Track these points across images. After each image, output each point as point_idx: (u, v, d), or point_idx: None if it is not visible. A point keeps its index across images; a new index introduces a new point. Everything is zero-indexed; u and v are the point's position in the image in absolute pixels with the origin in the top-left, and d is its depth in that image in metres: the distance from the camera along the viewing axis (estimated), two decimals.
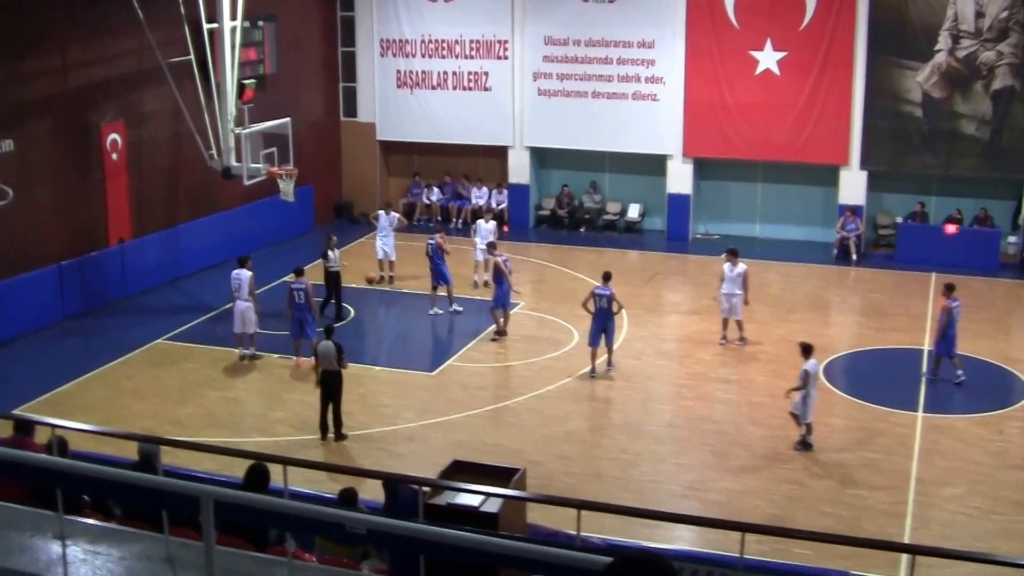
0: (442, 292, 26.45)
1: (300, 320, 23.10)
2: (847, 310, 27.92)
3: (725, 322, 24.52)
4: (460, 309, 26.53)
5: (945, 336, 22.10)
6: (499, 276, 24.73)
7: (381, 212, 28.92)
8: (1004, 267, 29.67)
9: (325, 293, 26.15)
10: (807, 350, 19.46)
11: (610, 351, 22.91)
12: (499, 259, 24.83)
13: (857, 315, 27.20)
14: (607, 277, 23.10)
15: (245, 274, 23.57)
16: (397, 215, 29.09)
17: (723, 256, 25.04)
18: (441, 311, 26.55)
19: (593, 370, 22.61)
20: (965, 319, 23.52)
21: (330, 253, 26.14)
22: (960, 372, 22.13)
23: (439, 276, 26.28)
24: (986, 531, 16.79)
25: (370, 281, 27.98)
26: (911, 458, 19.00)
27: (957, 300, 22.15)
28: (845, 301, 28.54)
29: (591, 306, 22.54)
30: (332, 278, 26.03)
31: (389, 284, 28.62)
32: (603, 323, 22.58)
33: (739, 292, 24.25)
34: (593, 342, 22.58)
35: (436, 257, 26.24)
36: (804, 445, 19.32)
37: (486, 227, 28.18)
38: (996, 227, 30.22)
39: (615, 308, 22.68)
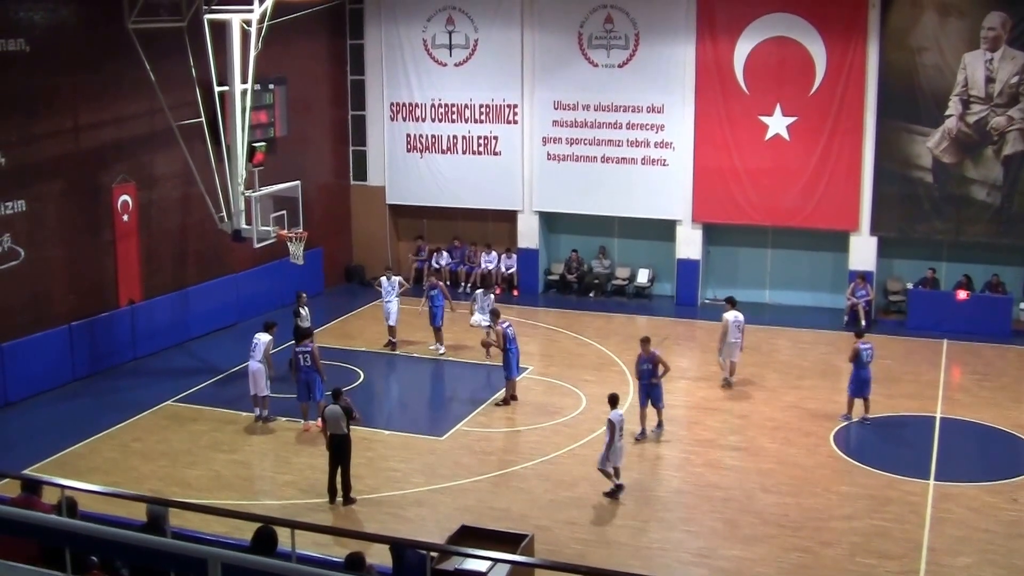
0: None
1: (307, 383, 23.03)
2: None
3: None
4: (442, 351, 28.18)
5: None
6: (506, 344, 24.70)
7: (383, 277, 28.93)
8: (1016, 334, 29.45)
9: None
10: (613, 401, 20.28)
11: (660, 416, 22.96)
12: (502, 329, 24.77)
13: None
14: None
15: (264, 337, 23.68)
16: (399, 279, 29.00)
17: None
18: (443, 349, 27.99)
19: (643, 431, 22.72)
20: (977, 386, 23.52)
21: (301, 311, 26.27)
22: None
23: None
24: None
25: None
26: (922, 527, 18.82)
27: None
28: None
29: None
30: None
31: (389, 349, 28.53)
32: (645, 385, 22.82)
33: (733, 340, 25.71)
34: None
35: (439, 300, 27.89)
36: (613, 492, 19.96)
37: (485, 298, 28.39)
38: (1008, 293, 30.12)
39: (661, 371, 22.74)
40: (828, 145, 31.07)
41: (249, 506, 19.29)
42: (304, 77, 33.50)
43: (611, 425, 19.75)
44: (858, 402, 23.77)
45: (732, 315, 25.70)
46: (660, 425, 22.96)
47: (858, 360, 23.51)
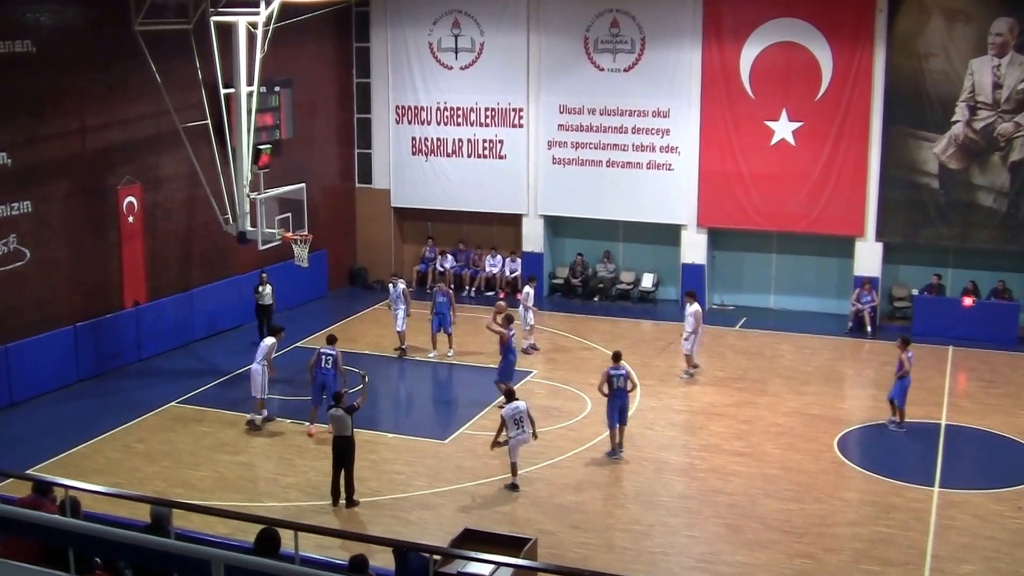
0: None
1: (323, 384, 22.97)
2: (862, 383, 27.71)
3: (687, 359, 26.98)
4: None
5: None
6: (504, 349, 24.75)
7: (390, 285, 28.95)
8: (1023, 340, 29.40)
9: (257, 323, 28.73)
10: (509, 395, 21.02)
11: (622, 433, 22.39)
12: (508, 334, 24.79)
13: (872, 388, 26.96)
14: (618, 357, 22.49)
15: (268, 341, 23.85)
16: (403, 285, 28.89)
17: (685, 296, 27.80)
18: (450, 354, 28.39)
19: (613, 450, 22.22)
20: (982, 393, 23.51)
21: (260, 288, 28.61)
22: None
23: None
24: None
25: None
26: (926, 534, 18.79)
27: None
28: (860, 374, 28.33)
29: (606, 388, 22.13)
30: (263, 310, 28.67)
31: (398, 355, 28.53)
32: (621, 402, 22.26)
33: (690, 331, 26.54)
34: (612, 423, 22.17)
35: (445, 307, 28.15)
36: (512, 487, 20.44)
37: (527, 292, 28.89)
38: (1014, 300, 30.05)
39: (629, 387, 22.37)
40: (834, 150, 31.04)
41: (252, 508, 19.27)
42: (310, 80, 33.52)
43: (501, 420, 20.32)
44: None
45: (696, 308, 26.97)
46: (621, 446, 22.33)
47: (901, 367, 23.49)
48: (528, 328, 28.48)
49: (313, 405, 23.26)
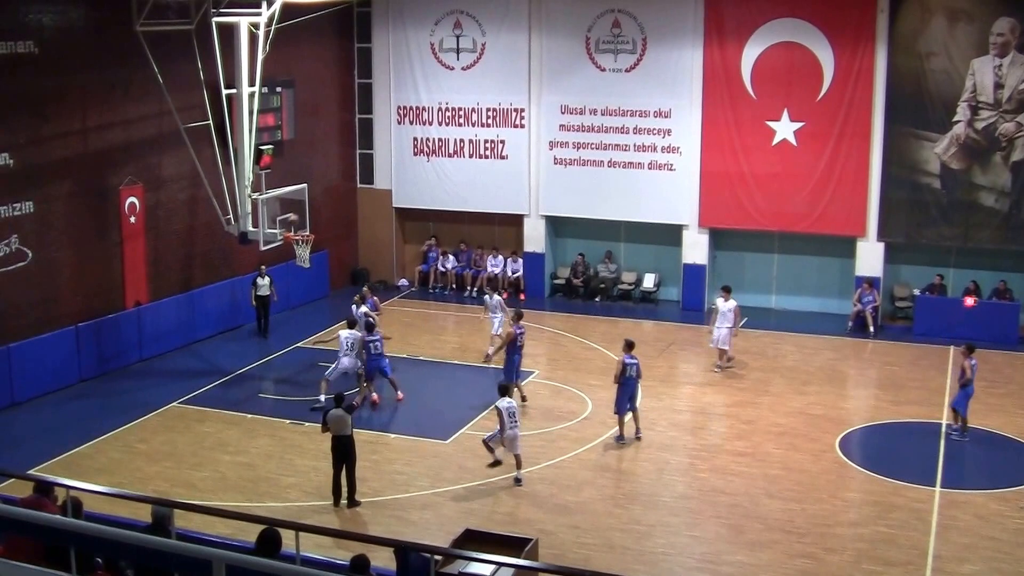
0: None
1: (379, 368, 24.74)
2: (864, 383, 27.73)
3: (722, 353, 27.36)
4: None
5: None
6: (511, 349, 24.73)
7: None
8: None
9: (255, 315, 29.93)
10: (502, 390, 21.26)
11: (637, 418, 23.10)
12: (516, 332, 24.77)
13: (874, 388, 27.03)
14: (631, 346, 23.21)
15: (345, 333, 25.09)
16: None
17: (719, 292, 28.00)
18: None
19: (621, 436, 22.74)
20: (983, 393, 23.50)
21: (259, 280, 29.64)
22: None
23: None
24: None
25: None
26: (928, 534, 18.78)
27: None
28: (862, 374, 28.33)
29: (620, 377, 22.71)
30: (261, 301, 29.83)
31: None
32: (631, 390, 22.86)
33: (729, 326, 27.08)
34: (621, 409, 22.74)
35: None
36: (517, 481, 20.80)
37: (494, 301, 28.15)
38: (1015, 300, 30.04)
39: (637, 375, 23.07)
40: (835, 150, 31.03)
41: (254, 508, 19.27)
42: (312, 80, 33.53)
43: (500, 413, 20.70)
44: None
45: (721, 302, 27.51)
46: (639, 433, 23.13)
47: (963, 375, 23.19)
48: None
49: (368, 380, 24.75)
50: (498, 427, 20.88)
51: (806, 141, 31.26)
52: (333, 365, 24.88)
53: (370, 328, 25.05)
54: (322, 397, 24.18)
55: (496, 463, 21.19)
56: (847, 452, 22.30)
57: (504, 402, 20.80)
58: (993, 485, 20.84)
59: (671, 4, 32.05)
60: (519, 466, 20.82)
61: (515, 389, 24.56)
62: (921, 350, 29.04)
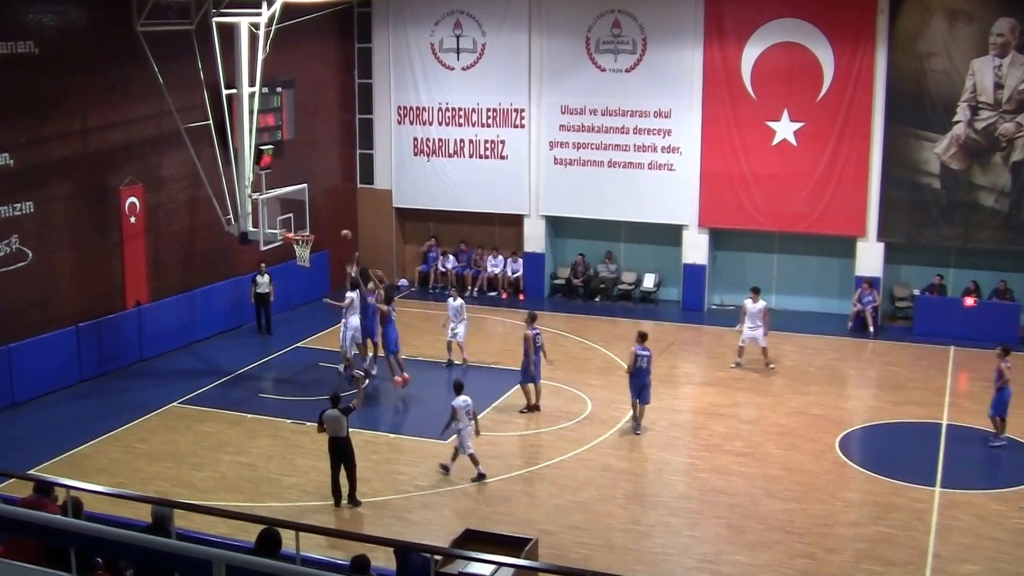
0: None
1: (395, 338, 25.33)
2: (864, 383, 27.71)
3: (741, 350, 27.56)
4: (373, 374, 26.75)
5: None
6: (527, 349, 24.60)
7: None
8: None
9: (255, 313, 30.21)
10: (458, 388, 21.30)
11: (643, 412, 23.45)
12: (530, 333, 24.66)
13: (874, 388, 27.02)
14: (644, 337, 23.61)
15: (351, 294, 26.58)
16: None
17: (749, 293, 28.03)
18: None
19: (638, 426, 23.35)
20: (984, 393, 23.49)
21: (258, 278, 29.90)
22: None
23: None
24: None
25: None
26: (928, 534, 18.78)
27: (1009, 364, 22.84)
28: (862, 374, 28.32)
29: (632, 367, 23.25)
30: (261, 298, 30.04)
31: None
32: (641, 381, 23.29)
33: (760, 324, 27.26)
34: (634, 397, 23.44)
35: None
36: (480, 477, 20.80)
37: (455, 304, 27.72)
38: (1015, 300, 30.04)
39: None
40: (835, 150, 31.03)
41: (254, 508, 19.27)
42: (312, 80, 33.54)
43: (452, 410, 20.92)
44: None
45: (749, 303, 27.58)
46: (640, 426, 23.57)
47: (1000, 377, 22.85)
48: (461, 342, 27.80)
49: (392, 355, 25.30)
50: (457, 430, 20.97)
51: (806, 141, 31.25)
52: (342, 332, 26.19)
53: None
54: (353, 369, 25.44)
55: (481, 476, 20.82)
56: (847, 452, 22.30)
57: (460, 400, 20.99)
58: (993, 485, 20.86)
59: (671, 4, 32.05)
60: (454, 459, 21.02)
61: (532, 389, 24.52)
62: (921, 350, 29.03)
